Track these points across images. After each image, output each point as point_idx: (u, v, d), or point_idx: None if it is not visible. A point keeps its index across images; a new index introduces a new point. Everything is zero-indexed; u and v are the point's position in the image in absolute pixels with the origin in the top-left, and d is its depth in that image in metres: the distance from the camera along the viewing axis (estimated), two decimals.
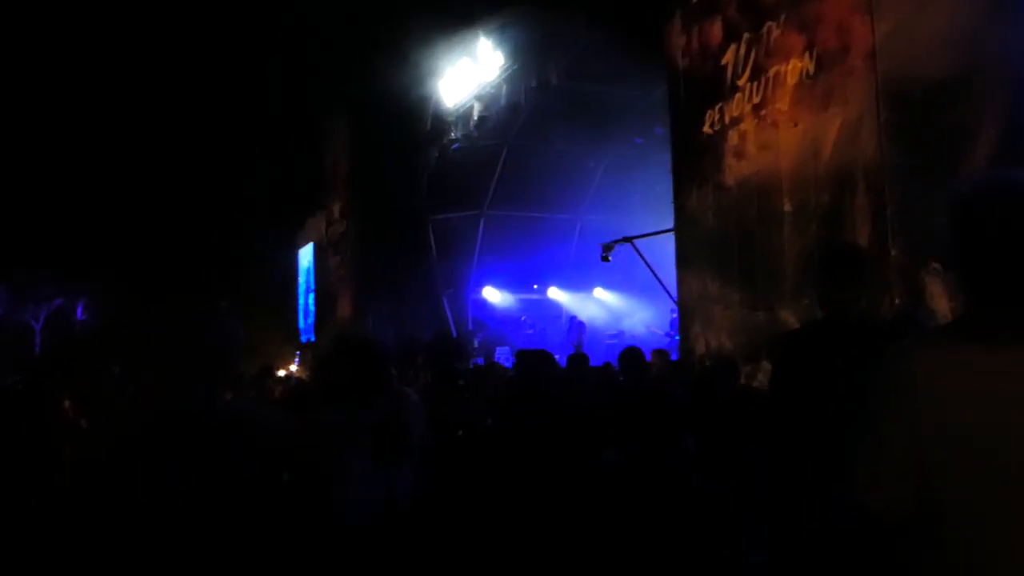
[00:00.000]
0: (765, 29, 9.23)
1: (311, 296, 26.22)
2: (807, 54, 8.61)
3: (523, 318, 19.72)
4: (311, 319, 26.03)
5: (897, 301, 7.02)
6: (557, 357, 6.74)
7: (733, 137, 9.73)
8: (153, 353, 2.25)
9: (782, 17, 9.00)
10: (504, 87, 16.37)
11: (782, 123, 8.98)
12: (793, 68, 8.81)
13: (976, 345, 1.50)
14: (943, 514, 1.50)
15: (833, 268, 3.15)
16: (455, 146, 17.95)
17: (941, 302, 6.54)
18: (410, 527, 2.92)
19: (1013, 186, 1.52)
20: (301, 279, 27.44)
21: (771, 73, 9.13)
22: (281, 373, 18.07)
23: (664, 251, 12.09)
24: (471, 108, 17.16)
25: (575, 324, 18.44)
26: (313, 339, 25.16)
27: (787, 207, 8.79)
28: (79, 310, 28.63)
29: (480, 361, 15.67)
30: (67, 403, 4.76)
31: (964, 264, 1.57)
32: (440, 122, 17.94)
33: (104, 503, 2.05)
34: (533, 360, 5.00)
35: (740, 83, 9.60)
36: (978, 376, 1.48)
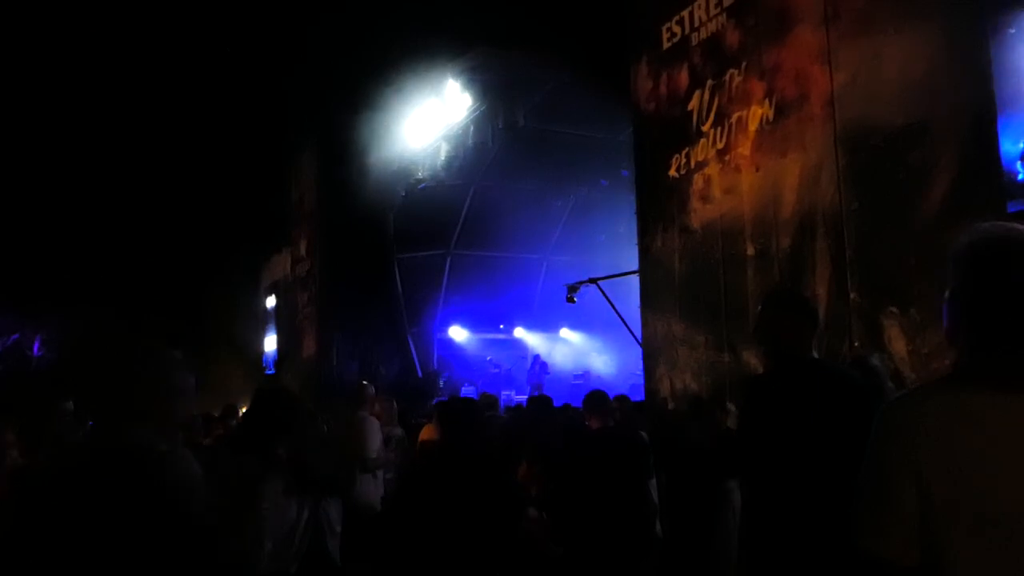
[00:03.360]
0: (727, 76, 9.43)
1: (275, 333, 25.94)
2: (767, 101, 8.79)
3: (489, 358, 19.67)
4: (276, 356, 25.71)
5: (856, 344, 7.10)
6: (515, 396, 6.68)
7: (698, 181, 9.87)
8: (85, 389, 2.21)
9: (743, 64, 9.20)
10: (471, 128, 16.50)
11: (744, 168, 9.13)
12: (754, 114, 8.99)
13: (985, 393, 1.50)
14: (949, 566, 1.48)
15: (787, 313, 3.19)
16: (422, 186, 18.00)
17: (899, 345, 6.63)
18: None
19: (1018, 237, 1.57)
20: (265, 316, 27.15)
21: (733, 119, 9.31)
22: (243, 411, 17.78)
23: (629, 292, 12.16)
24: (438, 148, 17.25)
25: (538, 363, 18.44)
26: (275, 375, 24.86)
27: (750, 251, 8.89)
28: (36, 345, 28.04)
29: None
30: (10, 437, 4.61)
31: (971, 312, 1.58)
32: (407, 162, 18.00)
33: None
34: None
35: (705, 128, 9.77)
36: (987, 426, 1.47)
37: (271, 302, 26.75)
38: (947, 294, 1.64)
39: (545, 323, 20.37)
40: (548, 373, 18.23)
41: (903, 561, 1.53)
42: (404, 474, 4.43)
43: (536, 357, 18.93)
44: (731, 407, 6.60)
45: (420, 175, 17.85)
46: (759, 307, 3.40)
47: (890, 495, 1.55)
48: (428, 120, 17.20)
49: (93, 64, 20.77)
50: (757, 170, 8.94)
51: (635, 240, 11.23)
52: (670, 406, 9.35)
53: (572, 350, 20.59)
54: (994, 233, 1.61)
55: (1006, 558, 1.44)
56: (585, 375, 18.15)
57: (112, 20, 19.69)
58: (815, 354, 3.31)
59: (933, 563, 1.49)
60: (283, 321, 25.27)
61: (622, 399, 7.09)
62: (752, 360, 8.34)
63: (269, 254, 26.29)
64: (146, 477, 2.04)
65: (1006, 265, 1.55)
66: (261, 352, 26.99)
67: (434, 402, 12.59)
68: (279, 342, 25.45)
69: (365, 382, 7.51)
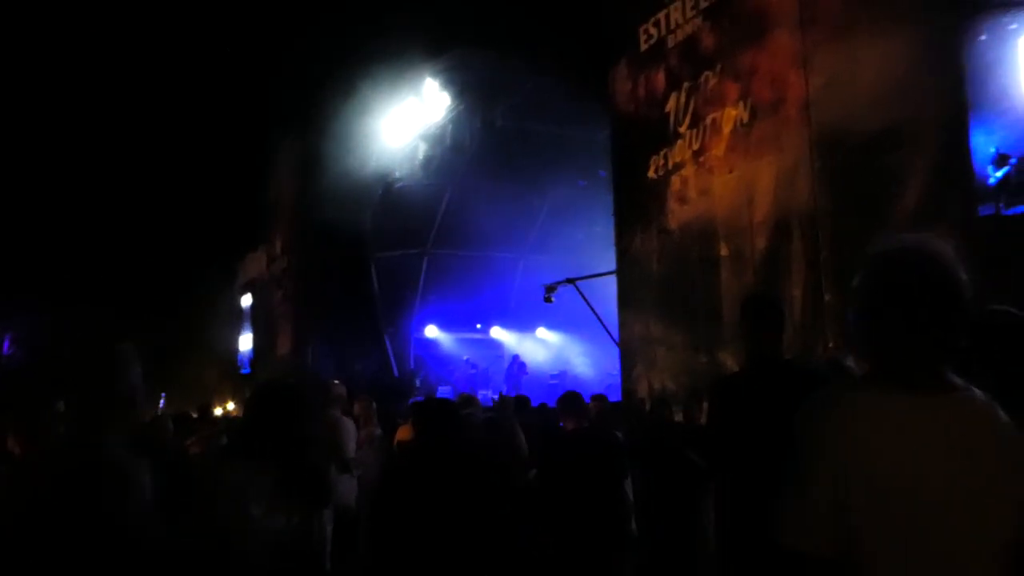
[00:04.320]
0: (703, 78, 9.48)
1: (251, 332, 25.74)
2: (741, 103, 8.85)
3: (466, 357, 19.64)
4: (250, 355, 25.52)
5: (831, 344, 7.17)
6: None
7: (675, 182, 9.91)
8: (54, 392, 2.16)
9: (718, 67, 9.26)
10: (450, 127, 16.47)
11: (718, 170, 9.19)
12: (728, 116, 9.05)
13: (895, 393, 1.59)
14: (866, 556, 1.56)
15: (754, 317, 3.29)
16: (399, 185, 17.93)
17: None
18: None
19: (923, 247, 1.64)
20: (240, 314, 26.94)
21: (708, 121, 9.37)
22: (218, 411, 17.64)
23: (606, 292, 12.19)
24: (416, 147, 17.20)
25: (516, 363, 18.44)
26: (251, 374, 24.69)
27: (724, 252, 8.95)
28: (6, 344, 27.58)
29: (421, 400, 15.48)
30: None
31: (882, 317, 1.65)
32: (385, 161, 17.92)
33: None
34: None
35: (681, 130, 9.82)
36: (898, 423, 1.56)
37: (247, 300, 26.54)
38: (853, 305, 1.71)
39: (522, 323, 20.36)
40: (527, 373, 18.24)
41: (822, 554, 1.60)
42: (386, 473, 4.40)
43: (515, 357, 18.94)
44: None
45: (398, 174, 17.79)
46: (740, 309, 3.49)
47: (808, 492, 1.62)
48: (406, 119, 17.13)
49: (68, 63, 20.53)
50: (731, 172, 9.01)
51: (612, 241, 11.26)
52: (647, 406, 9.39)
53: (549, 350, 20.60)
54: (889, 247, 1.69)
55: (915, 548, 1.53)
56: (562, 375, 18.16)
57: (91, 24, 19.48)
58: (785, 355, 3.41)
59: (850, 555, 1.57)
60: (259, 320, 25.08)
61: (600, 398, 7.10)
62: (728, 360, 8.40)
63: (245, 252, 26.07)
64: (87, 490, 2.00)
65: (896, 277, 1.63)
66: (236, 351, 26.78)
67: (410, 402, 12.56)
68: (254, 341, 25.26)
69: (336, 381, 7.44)
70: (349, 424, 6.75)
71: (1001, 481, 1.54)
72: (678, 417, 7.22)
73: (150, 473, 2.13)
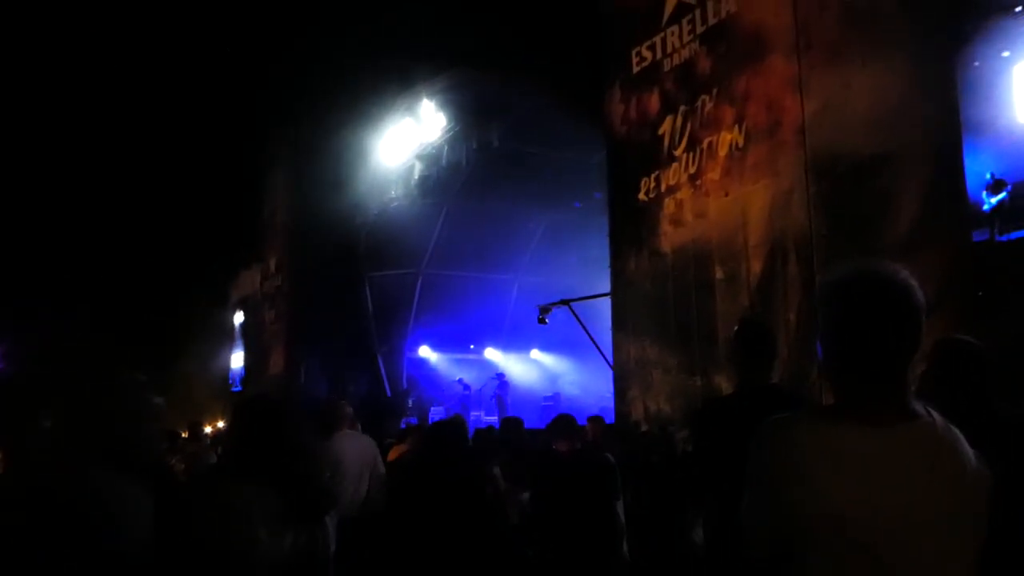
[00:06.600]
0: (699, 102, 9.54)
1: (243, 350, 25.68)
2: (736, 127, 8.91)
3: (459, 378, 19.60)
4: (242, 373, 25.45)
5: None
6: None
7: (669, 205, 9.94)
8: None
9: (714, 91, 9.32)
10: (445, 148, 16.52)
11: (713, 192, 9.23)
12: (723, 140, 9.10)
13: (846, 421, 1.58)
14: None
15: (748, 345, 3.32)
16: (394, 204, 17.97)
17: None
18: None
19: (877, 275, 1.62)
20: (232, 332, 26.88)
21: (704, 144, 9.41)
22: (208, 430, 17.52)
23: (601, 314, 12.18)
24: (412, 167, 17.25)
25: (500, 381, 18.40)
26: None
27: (719, 275, 8.97)
28: None
29: (414, 421, 15.46)
30: None
31: (832, 349, 1.66)
32: (380, 180, 17.97)
33: None
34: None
35: (677, 153, 9.86)
36: (849, 455, 1.54)
37: (239, 318, 26.48)
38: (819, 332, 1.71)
39: (516, 344, 20.36)
40: (507, 391, 18.19)
41: (771, 564, 1.64)
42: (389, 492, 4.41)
43: (500, 375, 18.91)
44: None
45: (393, 194, 17.83)
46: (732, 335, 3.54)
47: (758, 509, 1.66)
48: (402, 139, 17.21)
49: (59, 74, 20.55)
50: (726, 195, 9.04)
51: (607, 262, 11.27)
52: (643, 428, 9.36)
53: (543, 372, 20.58)
54: (843, 273, 1.67)
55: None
56: (555, 397, 18.12)
57: (80, 34, 19.53)
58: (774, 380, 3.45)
59: (792, 570, 1.59)
60: (251, 338, 25.02)
61: (597, 420, 7.07)
62: (723, 384, 8.39)
63: (238, 269, 26.05)
64: (81, 523, 1.96)
65: (857, 305, 1.61)
66: (228, 369, 26.69)
67: (403, 426, 12.51)
68: (246, 359, 25.18)
69: (342, 400, 7.43)
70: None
71: (959, 514, 1.52)
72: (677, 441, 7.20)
73: (143, 497, 2.11)
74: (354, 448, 6.53)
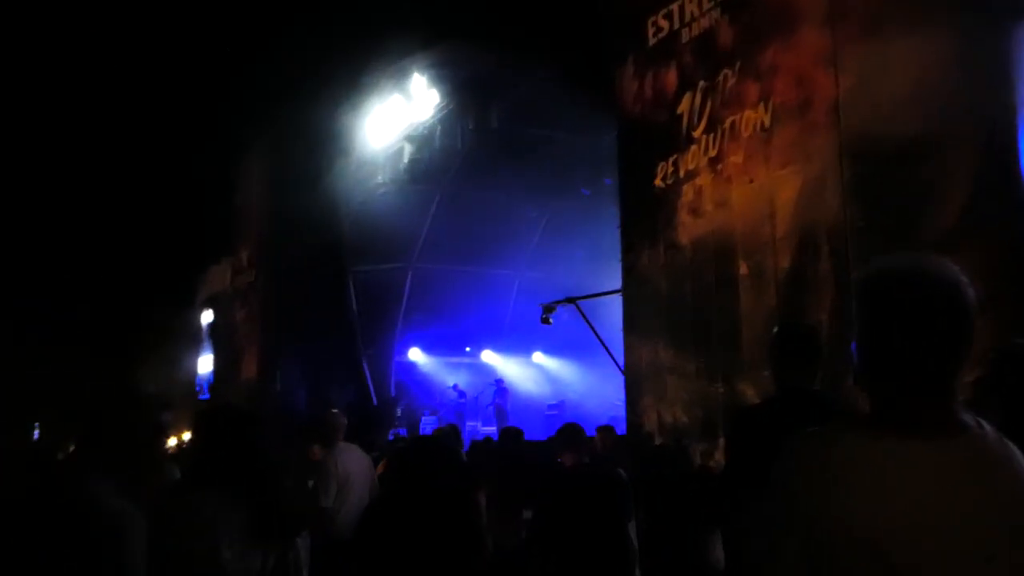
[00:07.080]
0: (721, 76, 9.49)
1: (211, 352, 25.68)
2: (761, 105, 8.85)
3: (453, 384, 19.60)
4: (210, 379, 25.45)
5: None
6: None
7: (688, 192, 9.90)
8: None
9: (737, 64, 9.26)
10: (438, 128, 16.50)
11: (736, 178, 9.18)
12: (747, 119, 9.04)
13: (886, 438, 1.56)
14: None
15: (788, 348, 3.31)
16: (382, 191, 17.93)
17: None
18: None
19: (923, 271, 1.59)
20: (199, 333, 26.87)
21: (727, 124, 9.36)
22: (173, 442, 17.48)
23: (611, 313, 12.17)
24: (401, 149, 17.21)
25: (499, 387, 18.43)
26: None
27: (743, 270, 8.94)
28: None
29: (403, 432, 15.47)
30: None
31: (870, 354, 1.64)
32: (366, 164, 17.93)
33: None
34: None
35: (696, 134, 9.81)
36: (889, 473, 1.53)
37: (207, 317, 26.46)
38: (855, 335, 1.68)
39: (516, 346, 20.36)
40: (507, 398, 18.23)
41: None
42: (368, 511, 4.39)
43: (498, 381, 18.92)
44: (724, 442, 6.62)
45: (380, 179, 17.80)
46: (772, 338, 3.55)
47: (787, 530, 1.62)
48: (390, 118, 17.16)
49: (21, 63, 20.57)
50: (751, 181, 9.00)
51: (618, 256, 11.25)
52: (657, 440, 9.34)
53: (546, 377, 20.59)
54: (884, 267, 1.65)
55: None
56: (560, 405, 18.14)
57: (40, 17, 19.55)
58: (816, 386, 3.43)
59: None
60: (220, 339, 25.00)
61: (607, 430, 7.08)
62: (748, 391, 8.36)
63: (206, 264, 26.02)
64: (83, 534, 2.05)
65: (899, 305, 1.58)
66: (194, 374, 26.69)
67: (391, 437, 12.52)
68: (215, 363, 25.17)
69: (335, 411, 7.51)
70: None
71: (1014, 539, 1.49)
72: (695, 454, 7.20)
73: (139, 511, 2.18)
74: (360, 463, 6.67)
